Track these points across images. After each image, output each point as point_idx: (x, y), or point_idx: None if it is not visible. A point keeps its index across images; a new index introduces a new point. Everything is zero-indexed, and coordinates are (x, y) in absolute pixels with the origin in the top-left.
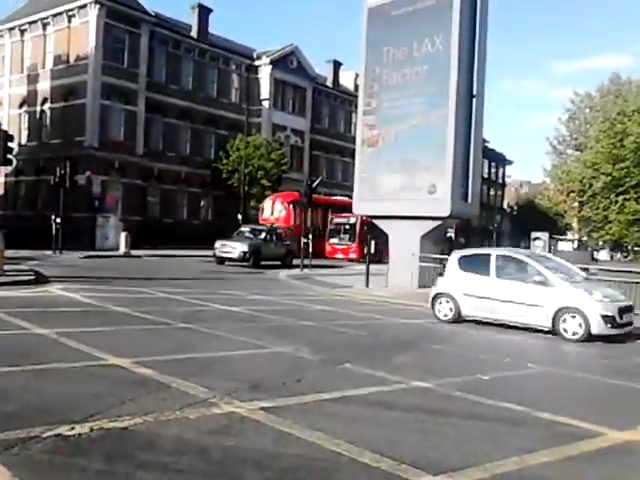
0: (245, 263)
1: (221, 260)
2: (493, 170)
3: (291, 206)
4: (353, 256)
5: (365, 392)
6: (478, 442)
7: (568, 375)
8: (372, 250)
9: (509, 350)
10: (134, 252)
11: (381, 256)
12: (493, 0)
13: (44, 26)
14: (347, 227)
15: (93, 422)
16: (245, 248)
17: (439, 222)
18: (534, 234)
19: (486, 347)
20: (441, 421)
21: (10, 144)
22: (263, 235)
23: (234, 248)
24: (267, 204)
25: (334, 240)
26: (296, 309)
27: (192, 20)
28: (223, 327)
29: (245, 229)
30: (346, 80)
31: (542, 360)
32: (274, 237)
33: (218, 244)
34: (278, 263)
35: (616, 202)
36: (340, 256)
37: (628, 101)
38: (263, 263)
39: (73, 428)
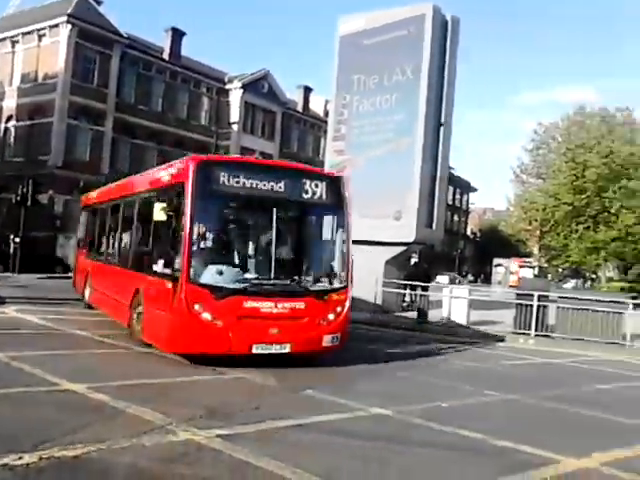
0: None
1: None
2: (458, 197)
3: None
4: None
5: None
6: (434, 471)
7: (523, 401)
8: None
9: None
10: None
11: None
12: (462, 31)
13: (13, 44)
14: None
15: (43, 451)
16: None
17: (404, 248)
18: (496, 260)
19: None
20: (399, 449)
21: None
22: None
23: None
24: None
25: None
26: None
27: (165, 42)
28: None
29: None
30: (316, 105)
31: (501, 386)
32: None
33: None
34: None
35: (576, 231)
36: None
37: (590, 133)
38: None
39: (21, 457)
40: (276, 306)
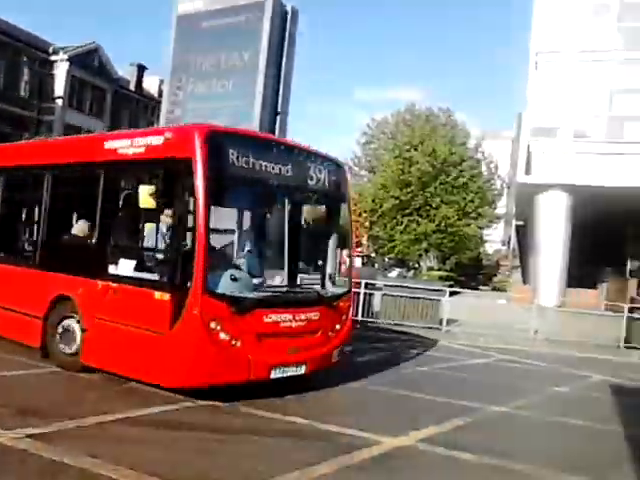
0: None
1: None
2: None
3: None
4: None
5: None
6: (261, 459)
7: (348, 386)
8: None
9: None
10: None
11: None
12: (303, 20)
13: None
14: None
15: None
16: None
17: None
18: None
19: None
20: (225, 439)
21: None
22: None
23: None
24: None
25: None
26: None
27: None
28: None
29: None
30: (150, 85)
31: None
32: None
33: None
34: None
35: (402, 222)
36: None
37: (415, 132)
38: None
39: None
40: (294, 318)
